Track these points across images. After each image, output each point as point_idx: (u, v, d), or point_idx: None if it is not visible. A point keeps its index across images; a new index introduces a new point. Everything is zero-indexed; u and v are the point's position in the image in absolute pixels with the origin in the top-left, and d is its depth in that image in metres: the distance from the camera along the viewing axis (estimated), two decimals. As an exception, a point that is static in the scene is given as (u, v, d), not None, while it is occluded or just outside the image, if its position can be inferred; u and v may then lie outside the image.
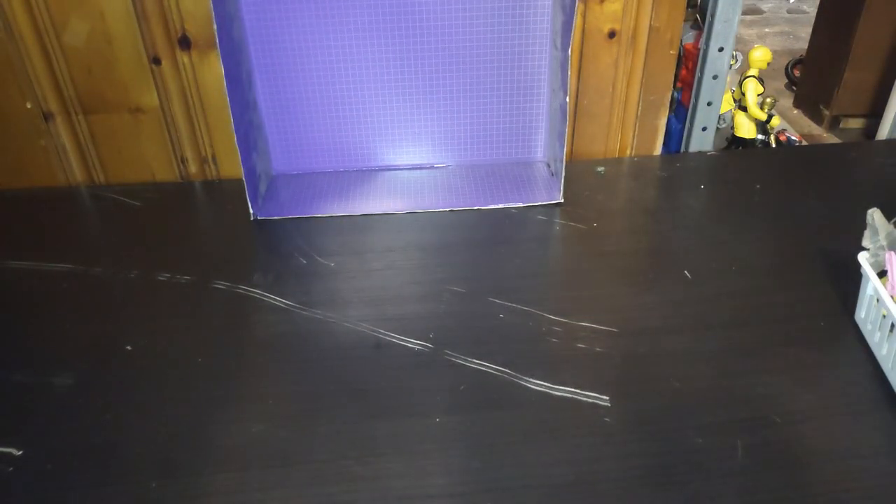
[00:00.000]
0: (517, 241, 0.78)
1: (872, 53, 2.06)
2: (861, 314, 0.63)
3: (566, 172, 0.83)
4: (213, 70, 0.84)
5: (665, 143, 0.98)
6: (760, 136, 1.34)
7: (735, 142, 1.34)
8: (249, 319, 0.66)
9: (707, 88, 0.93)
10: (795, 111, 2.35)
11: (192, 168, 0.92)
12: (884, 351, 0.58)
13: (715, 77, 0.92)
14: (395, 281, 0.72)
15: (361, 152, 0.92)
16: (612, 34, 0.87)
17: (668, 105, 0.94)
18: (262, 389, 0.58)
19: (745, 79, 1.31)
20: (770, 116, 1.31)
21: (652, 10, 0.86)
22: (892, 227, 0.61)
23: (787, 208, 0.83)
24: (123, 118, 0.87)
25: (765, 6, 3.52)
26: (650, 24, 0.87)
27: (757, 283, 0.70)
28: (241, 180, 0.79)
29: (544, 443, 0.53)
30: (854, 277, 0.63)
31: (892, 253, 0.59)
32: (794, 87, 2.45)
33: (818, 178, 0.90)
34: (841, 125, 2.20)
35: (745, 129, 1.32)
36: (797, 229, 0.78)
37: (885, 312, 0.58)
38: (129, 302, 0.69)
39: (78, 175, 0.91)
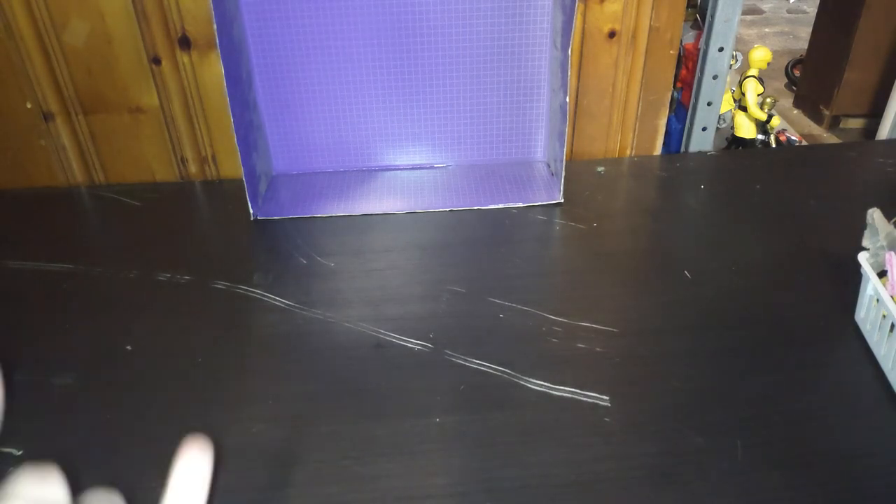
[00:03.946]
0: (517, 241, 0.78)
1: (872, 53, 2.06)
2: (861, 314, 0.63)
3: (566, 172, 0.83)
4: (213, 70, 0.84)
5: (665, 143, 0.98)
6: (760, 136, 1.34)
7: (735, 142, 1.34)
8: (249, 319, 0.66)
9: (707, 88, 0.93)
10: (795, 111, 2.35)
11: (192, 168, 0.92)
12: (883, 351, 0.58)
13: (715, 77, 0.92)
14: (395, 281, 0.72)
15: (361, 152, 0.92)
16: (612, 34, 0.87)
17: (668, 105, 0.94)
18: (262, 389, 0.58)
19: (745, 79, 1.31)
20: (770, 116, 1.31)
21: (652, 10, 0.86)
22: (892, 227, 0.61)
23: (787, 208, 0.83)
24: (123, 118, 0.87)
25: (765, 6, 3.53)
26: (650, 24, 0.87)
27: (757, 283, 0.70)
28: (241, 180, 0.79)
29: (544, 443, 0.53)
30: (854, 277, 0.63)
31: (892, 253, 0.59)
32: (794, 87, 2.45)
33: (818, 178, 0.90)
34: (841, 125, 2.20)
35: (745, 129, 1.32)
36: (797, 229, 0.79)
37: (885, 313, 0.58)
38: (129, 302, 0.69)
39: (78, 175, 0.91)
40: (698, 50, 0.92)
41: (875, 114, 1.95)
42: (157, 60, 0.83)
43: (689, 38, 0.95)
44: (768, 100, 1.32)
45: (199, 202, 0.88)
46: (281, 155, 0.91)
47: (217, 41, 0.71)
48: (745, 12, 3.22)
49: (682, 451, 0.52)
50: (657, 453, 0.52)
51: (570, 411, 0.55)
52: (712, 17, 0.88)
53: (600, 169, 0.92)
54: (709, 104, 0.94)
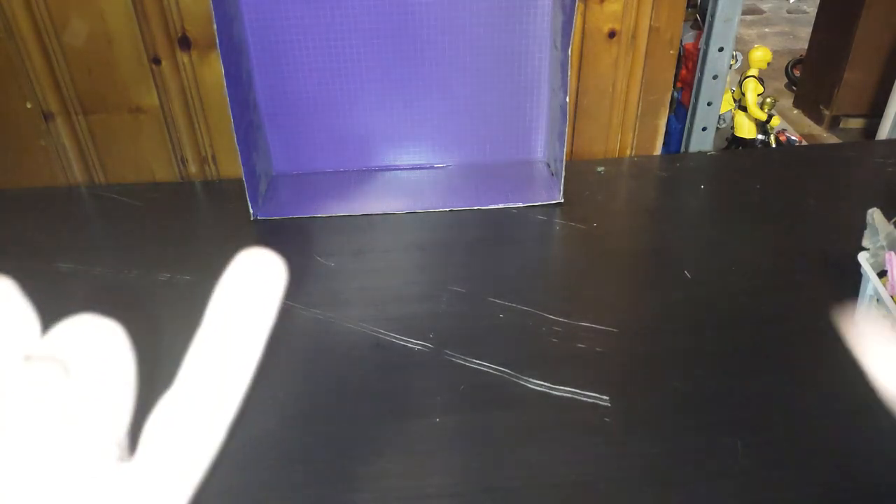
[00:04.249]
0: (517, 241, 0.78)
1: (872, 53, 2.06)
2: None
3: (566, 172, 0.83)
4: (213, 70, 0.84)
5: (665, 143, 0.98)
6: (760, 136, 1.34)
7: (735, 142, 1.34)
8: (249, 319, 0.66)
9: (707, 88, 0.93)
10: (795, 111, 2.35)
11: (192, 168, 0.92)
12: (884, 351, 0.58)
13: (715, 77, 0.92)
14: (395, 281, 0.71)
15: (361, 152, 0.92)
16: (612, 34, 0.87)
17: (668, 105, 0.94)
18: (262, 389, 0.58)
19: (745, 79, 1.31)
20: (770, 116, 1.31)
21: (652, 10, 0.86)
22: (892, 227, 0.61)
23: (786, 208, 0.83)
24: (123, 118, 0.87)
25: (765, 6, 3.53)
26: (650, 24, 0.87)
27: (756, 282, 0.70)
28: (241, 180, 0.79)
29: (544, 443, 0.53)
30: (854, 277, 0.63)
31: (892, 253, 0.59)
32: (794, 87, 2.45)
33: (818, 178, 0.90)
34: (841, 125, 2.20)
35: (745, 129, 1.32)
36: (797, 229, 0.78)
37: (885, 313, 0.57)
38: (129, 302, 0.69)
39: (78, 175, 0.91)
40: (698, 50, 0.92)
41: (875, 114, 1.95)
42: (157, 60, 0.83)
43: (689, 38, 0.95)
44: (768, 100, 1.32)
45: (199, 202, 0.88)
46: (281, 155, 0.91)
47: (217, 41, 0.71)
48: (744, 12, 3.22)
49: (682, 450, 0.52)
50: (657, 453, 0.52)
51: (570, 411, 0.55)
52: (712, 16, 0.88)
53: (600, 169, 0.92)
54: (709, 104, 0.94)
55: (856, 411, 0.55)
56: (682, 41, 0.92)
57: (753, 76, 1.30)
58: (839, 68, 2.11)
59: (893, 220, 0.62)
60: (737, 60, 1.02)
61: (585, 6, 0.85)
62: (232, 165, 0.91)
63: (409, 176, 0.91)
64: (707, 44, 0.90)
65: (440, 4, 0.82)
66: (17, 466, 0.17)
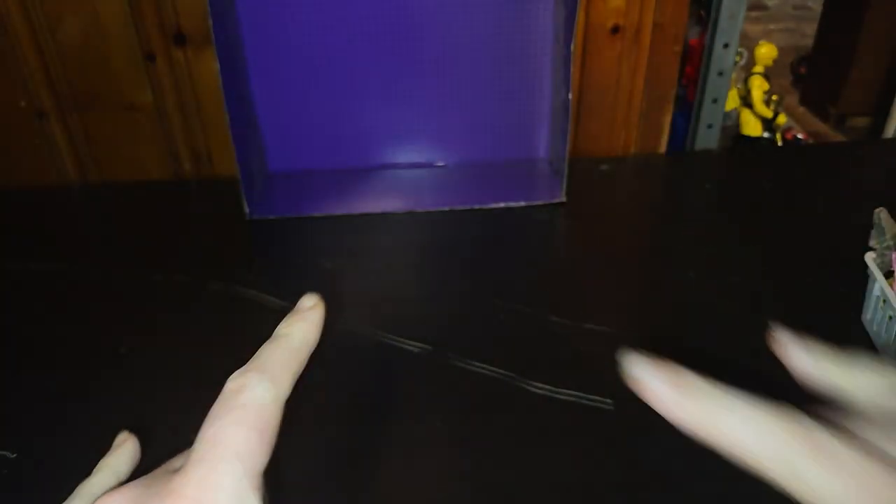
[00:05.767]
0: (519, 241, 0.76)
1: (879, 50, 2.04)
2: (867, 315, 0.62)
3: (569, 170, 0.82)
4: (209, 67, 0.83)
5: (669, 141, 0.96)
6: (766, 134, 1.32)
7: (740, 139, 1.33)
8: (245, 320, 0.65)
9: (712, 85, 0.92)
10: (801, 109, 2.34)
11: (187, 166, 0.91)
12: (890, 353, 0.57)
13: (720, 73, 0.91)
14: (395, 281, 0.70)
15: (359, 150, 0.90)
16: (615, 29, 0.86)
17: (672, 102, 0.93)
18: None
19: (750, 75, 1.29)
20: (776, 114, 1.30)
21: (656, 6, 0.84)
22: (901, 227, 0.60)
23: (792, 207, 0.81)
24: (118, 116, 0.86)
25: (770, 2, 3.51)
26: (654, 20, 0.85)
27: (762, 283, 0.69)
28: (237, 179, 0.78)
29: (546, 446, 0.52)
30: (861, 278, 0.62)
31: (902, 253, 0.57)
32: (801, 85, 2.44)
33: (824, 177, 0.88)
34: (847, 123, 2.18)
35: (751, 126, 1.31)
36: (803, 228, 0.77)
37: (891, 314, 0.56)
38: (123, 303, 0.68)
39: (72, 173, 0.90)
40: (703, 46, 0.91)
41: (882, 112, 1.93)
42: (151, 57, 0.82)
43: (693, 34, 0.93)
44: (774, 97, 1.30)
45: (194, 201, 0.87)
46: (277, 153, 0.90)
47: (213, 37, 0.69)
48: (749, 8, 3.20)
49: (685, 455, 0.51)
50: (660, 457, 0.51)
51: (573, 415, 0.54)
52: (717, 12, 0.87)
53: (604, 167, 0.91)
54: (714, 101, 0.93)
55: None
56: (686, 37, 0.90)
57: (759, 73, 1.28)
58: (845, 65, 2.10)
59: (903, 220, 0.60)
60: (742, 57, 1.01)
61: (588, 1, 0.83)
62: (227, 163, 0.90)
63: (408, 174, 0.90)
64: (712, 40, 0.88)
65: (440, -1, 0.80)
66: None
